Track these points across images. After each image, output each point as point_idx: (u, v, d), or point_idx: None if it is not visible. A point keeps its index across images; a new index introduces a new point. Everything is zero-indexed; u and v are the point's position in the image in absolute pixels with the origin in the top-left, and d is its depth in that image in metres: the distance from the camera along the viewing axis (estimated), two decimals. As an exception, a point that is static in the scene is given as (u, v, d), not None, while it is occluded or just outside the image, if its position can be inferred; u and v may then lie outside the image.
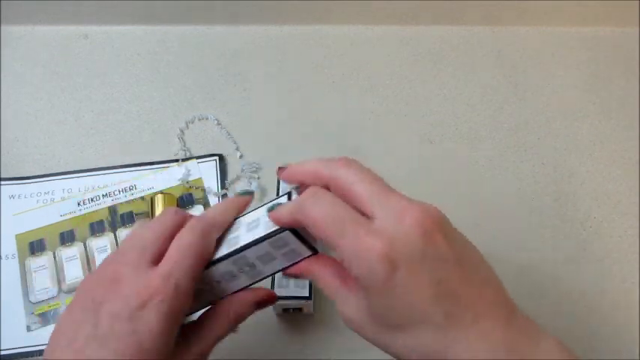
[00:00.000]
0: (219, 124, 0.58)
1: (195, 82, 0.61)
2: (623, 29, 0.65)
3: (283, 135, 0.58)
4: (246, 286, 0.36)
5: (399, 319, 0.29)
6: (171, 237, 0.33)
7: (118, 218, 0.52)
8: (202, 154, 0.56)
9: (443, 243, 0.28)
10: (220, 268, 0.35)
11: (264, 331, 0.47)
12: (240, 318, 0.36)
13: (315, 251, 0.34)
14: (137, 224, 0.36)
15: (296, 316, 0.47)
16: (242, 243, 0.34)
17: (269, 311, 0.47)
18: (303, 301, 0.45)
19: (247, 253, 0.34)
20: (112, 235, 0.51)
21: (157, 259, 0.33)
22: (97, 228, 0.51)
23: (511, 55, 0.64)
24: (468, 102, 0.60)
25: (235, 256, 0.34)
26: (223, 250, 0.34)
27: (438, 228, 0.28)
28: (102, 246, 0.51)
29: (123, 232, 0.51)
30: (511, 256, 0.51)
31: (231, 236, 0.35)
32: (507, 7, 0.64)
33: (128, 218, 0.52)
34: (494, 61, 0.63)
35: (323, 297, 0.48)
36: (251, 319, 0.47)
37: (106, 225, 0.52)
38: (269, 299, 0.37)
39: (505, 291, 0.30)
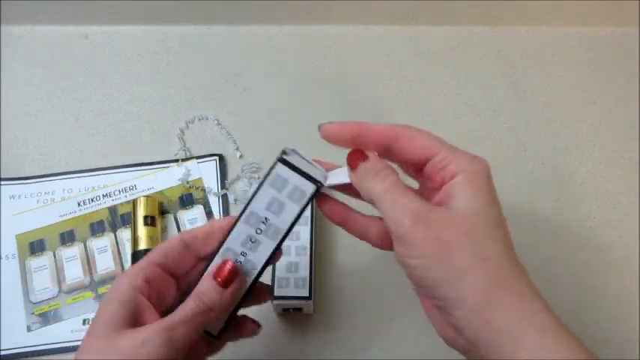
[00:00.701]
0: (219, 124, 0.58)
1: (195, 82, 0.61)
2: (623, 29, 0.65)
3: (283, 135, 0.58)
4: (273, 252, 0.34)
5: None
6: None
7: (118, 218, 0.52)
8: (202, 154, 0.56)
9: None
10: (239, 233, 0.33)
11: (264, 331, 0.47)
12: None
13: (318, 183, 0.34)
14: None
15: (296, 316, 0.47)
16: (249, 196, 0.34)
17: (269, 311, 0.47)
18: (303, 301, 0.45)
19: (254, 206, 0.33)
20: (112, 235, 0.51)
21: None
22: (97, 228, 0.52)
23: (511, 55, 0.64)
24: (468, 102, 0.60)
25: (245, 214, 0.33)
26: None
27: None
28: (102, 246, 0.51)
29: (123, 233, 0.51)
30: (511, 256, 0.51)
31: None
32: (507, 7, 0.64)
33: (128, 218, 0.52)
34: (494, 61, 0.63)
35: (323, 297, 0.48)
36: (251, 319, 0.47)
37: (106, 225, 0.52)
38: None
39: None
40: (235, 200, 0.53)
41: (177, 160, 0.55)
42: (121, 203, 0.53)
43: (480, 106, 0.60)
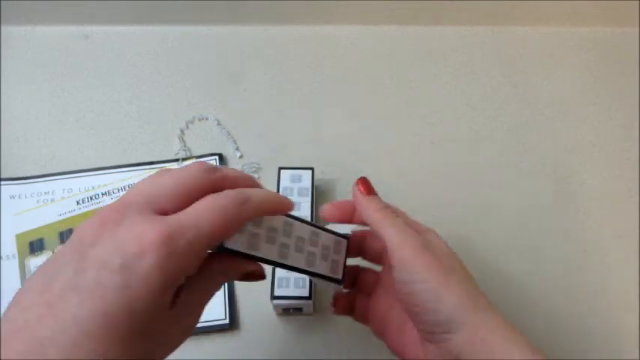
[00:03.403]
0: (219, 124, 0.58)
1: (195, 82, 0.61)
2: (623, 29, 0.65)
3: (283, 135, 0.58)
4: (287, 268, 0.34)
5: None
6: (194, 196, 0.27)
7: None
8: (202, 154, 0.56)
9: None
10: (299, 230, 0.34)
11: (264, 331, 0.47)
12: (225, 280, 0.32)
13: (343, 276, 0.38)
14: (157, 171, 0.29)
15: (296, 316, 0.47)
16: (327, 226, 0.38)
17: (269, 311, 0.47)
18: (303, 301, 0.45)
19: (324, 235, 0.36)
20: (111, 234, 0.51)
21: (169, 213, 0.27)
22: (96, 228, 0.51)
23: (511, 55, 0.64)
24: (468, 102, 0.60)
25: (316, 229, 0.36)
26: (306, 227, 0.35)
27: None
28: (102, 246, 0.51)
29: (123, 232, 0.51)
30: (511, 255, 0.51)
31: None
32: (507, 7, 0.64)
33: (128, 218, 0.52)
34: (494, 61, 0.63)
35: (323, 297, 0.48)
36: (251, 319, 0.47)
37: (106, 225, 0.52)
38: (258, 274, 0.33)
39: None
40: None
41: (177, 160, 0.55)
42: (121, 203, 0.53)
43: (479, 106, 0.60)
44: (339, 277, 0.38)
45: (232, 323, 0.47)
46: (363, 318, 0.40)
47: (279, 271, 0.46)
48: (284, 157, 0.56)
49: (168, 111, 0.59)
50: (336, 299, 0.41)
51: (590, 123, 0.59)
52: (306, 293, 0.45)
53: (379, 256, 0.40)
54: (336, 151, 0.56)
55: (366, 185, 0.37)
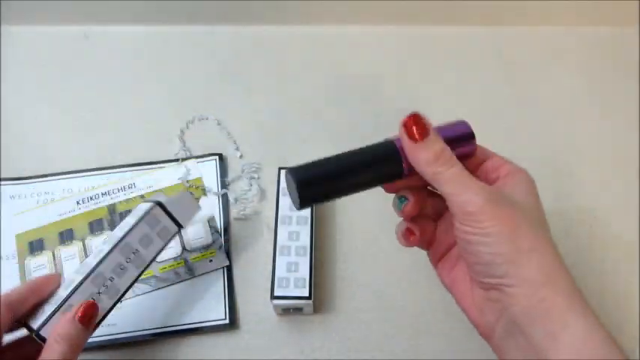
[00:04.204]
0: (219, 124, 0.58)
1: (195, 82, 0.61)
2: (623, 29, 0.65)
3: (283, 135, 0.58)
4: (135, 279, 0.40)
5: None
6: None
7: (116, 217, 0.52)
8: (202, 153, 0.56)
9: None
10: (112, 260, 0.39)
11: (264, 331, 0.47)
12: (68, 340, 0.36)
13: (180, 226, 0.42)
14: None
15: (296, 316, 0.47)
16: (127, 228, 0.40)
17: (269, 311, 0.47)
18: (303, 301, 0.45)
19: (130, 238, 0.40)
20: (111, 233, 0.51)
21: None
22: (95, 227, 0.51)
23: (511, 55, 0.64)
24: (468, 102, 0.60)
25: (121, 244, 0.39)
26: (106, 248, 0.39)
27: None
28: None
29: (123, 232, 0.51)
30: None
31: (115, 232, 0.40)
32: (507, 7, 0.64)
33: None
34: (494, 61, 0.63)
35: (323, 297, 0.48)
36: (251, 319, 0.47)
37: (105, 224, 0.52)
38: (90, 310, 0.37)
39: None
40: (235, 200, 0.53)
41: (177, 160, 0.55)
42: (120, 202, 0.53)
43: (479, 106, 0.60)
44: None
45: (232, 323, 0.47)
46: (426, 244, 0.37)
47: (279, 271, 0.46)
48: (284, 157, 0.56)
49: (168, 111, 0.59)
50: (407, 230, 0.36)
51: (590, 123, 0.59)
52: (306, 293, 0.45)
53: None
54: (336, 151, 0.56)
55: (417, 124, 0.32)
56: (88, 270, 0.38)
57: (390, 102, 0.60)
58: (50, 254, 0.50)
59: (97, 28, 0.65)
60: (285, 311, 0.47)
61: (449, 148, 0.32)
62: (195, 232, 0.51)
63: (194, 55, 0.63)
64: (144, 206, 0.42)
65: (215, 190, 0.54)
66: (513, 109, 0.60)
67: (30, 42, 0.64)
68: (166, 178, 0.54)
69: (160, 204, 0.41)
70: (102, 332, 0.45)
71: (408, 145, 0.32)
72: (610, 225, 0.53)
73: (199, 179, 0.54)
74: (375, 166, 0.32)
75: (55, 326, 0.36)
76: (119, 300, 0.39)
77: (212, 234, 0.51)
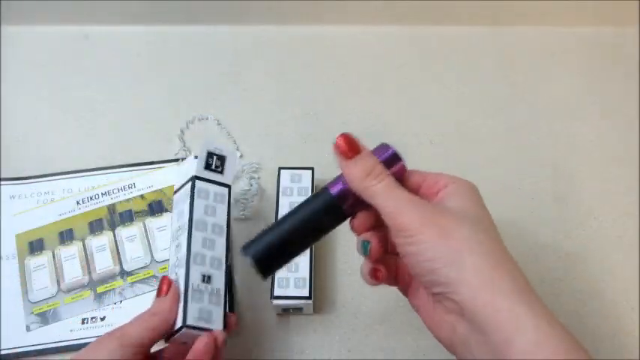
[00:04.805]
0: (219, 124, 0.58)
1: (195, 82, 0.61)
2: (623, 29, 0.65)
3: (283, 135, 0.58)
4: (227, 244, 0.41)
5: None
6: None
7: (116, 217, 0.52)
8: (202, 154, 0.56)
9: None
10: (196, 239, 0.39)
11: (264, 331, 0.47)
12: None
13: (227, 186, 0.43)
14: None
15: (296, 316, 0.47)
16: (186, 213, 0.40)
17: (269, 311, 0.47)
18: (303, 301, 0.45)
19: (196, 216, 0.40)
20: (111, 233, 0.51)
21: None
22: (95, 226, 0.51)
23: (511, 55, 0.64)
24: (468, 102, 0.60)
25: (193, 224, 0.40)
26: (182, 238, 0.40)
27: None
28: (101, 245, 0.51)
29: (122, 231, 0.51)
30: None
31: None
32: (507, 7, 0.64)
33: (127, 217, 0.52)
34: (494, 61, 0.63)
35: (323, 297, 0.48)
36: (251, 319, 0.47)
37: (105, 223, 0.52)
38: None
39: None
40: (236, 200, 0.53)
41: (177, 160, 0.55)
42: (120, 202, 0.53)
43: (479, 106, 0.60)
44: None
45: (232, 323, 0.47)
46: (392, 280, 0.38)
47: (279, 271, 0.45)
48: (284, 157, 0.56)
49: (168, 111, 0.59)
50: (374, 269, 0.36)
51: (590, 123, 0.59)
52: (306, 293, 0.45)
53: None
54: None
55: (348, 143, 0.34)
56: (183, 257, 0.39)
57: (390, 102, 0.60)
58: (50, 254, 0.50)
59: (97, 28, 0.65)
60: (285, 311, 0.47)
61: (380, 164, 0.33)
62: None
63: (194, 55, 0.63)
64: (185, 188, 0.42)
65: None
66: (513, 109, 0.60)
67: (30, 42, 0.64)
68: (166, 178, 0.54)
69: (196, 177, 0.42)
70: (102, 332, 0.45)
71: (341, 163, 0.33)
72: (610, 225, 0.53)
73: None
74: (319, 220, 0.34)
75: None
76: (227, 271, 0.40)
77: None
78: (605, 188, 0.55)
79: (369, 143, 0.59)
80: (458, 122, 0.59)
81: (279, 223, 0.35)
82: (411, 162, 0.56)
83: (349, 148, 0.33)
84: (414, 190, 0.35)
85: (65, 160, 0.56)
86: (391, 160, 0.34)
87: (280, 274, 0.45)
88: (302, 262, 0.46)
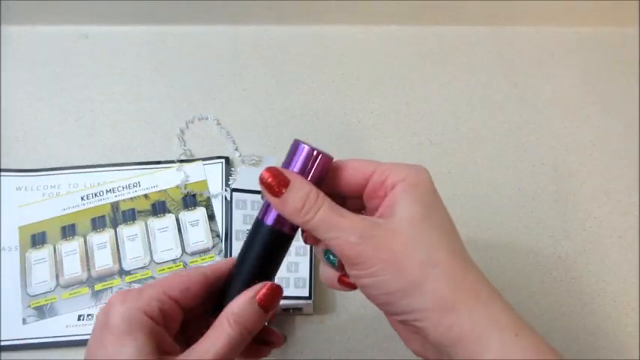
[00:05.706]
0: (219, 124, 0.58)
1: (195, 82, 0.61)
2: (623, 29, 0.65)
3: (283, 135, 0.58)
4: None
5: None
6: None
7: (119, 215, 0.52)
8: (202, 154, 0.56)
9: None
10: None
11: (264, 330, 0.47)
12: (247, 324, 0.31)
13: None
14: None
15: (296, 316, 0.47)
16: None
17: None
18: (303, 301, 0.45)
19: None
20: (112, 231, 0.51)
21: None
22: (98, 223, 0.51)
23: (511, 55, 0.64)
24: (468, 102, 0.60)
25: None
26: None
27: None
28: (102, 242, 0.50)
29: (123, 230, 0.51)
30: (511, 255, 0.51)
31: None
32: (507, 7, 0.64)
33: (130, 215, 0.52)
34: (494, 61, 0.63)
35: (323, 297, 0.48)
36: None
37: (108, 221, 0.52)
38: (274, 292, 0.32)
39: None
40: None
41: (179, 162, 0.55)
42: (124, 200, 0.53)
43: (479, 106, 0.60)
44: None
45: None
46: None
47: (279, 271, 0.45)
48: (284, 157, 0.56)
49: (168, 111, 0.59)
50: (341, 276, 0.34)
51: (590, 123, 0.59)
52: (306, 293, 0.45)
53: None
54: (337, 151, 0.56)
55: (275, 177, 0.30)
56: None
57: (389, 102, 0.60)
58: (51, 248, 0.50)
59: (97, 28, 0.64)
60: (285, 311, 0.47)
61: (314, 188, 0.30)
62: (196, 235, 0.50)
63: (194, 55, 0.63)
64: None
65: (219, 193, 0.53)
66: (513, 109, 0.60)
67: (30, 42, 0.64)
68: (170, 178, 0.54)
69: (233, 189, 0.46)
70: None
71: (273, 203, 0.30)
72: (610, 225, 0.53)
73: (204, 182, 0.54)
74: (272, 253, 0.32)
75: (231, 303, 0.30)
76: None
77: (213, 238, 0.51)
78: (605, 188, 0.55)
79: (369, 143, 0.59)
80: (458, 122, 0.59)
81: (235, 274, 0.32)
82: (411, 162, 0.56)
83: (277, 182, 0.30)
84: (357, 191, 0.32)
85: (65, 159, 0.56)
86: (308, 159, 0.31)
87: (280, 274, 0.45)
88: (302, 262, 0.46)
